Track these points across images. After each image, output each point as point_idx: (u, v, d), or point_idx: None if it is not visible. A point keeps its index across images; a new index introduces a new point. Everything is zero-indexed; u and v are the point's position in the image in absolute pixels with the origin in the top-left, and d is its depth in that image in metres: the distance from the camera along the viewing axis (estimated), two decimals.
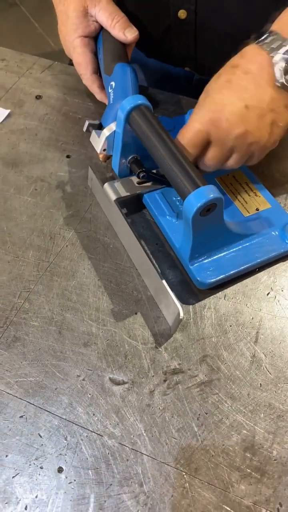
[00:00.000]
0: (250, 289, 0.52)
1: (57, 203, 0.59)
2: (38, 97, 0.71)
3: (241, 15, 0.62)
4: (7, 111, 0.68)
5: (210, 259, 0.51)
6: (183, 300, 0.51)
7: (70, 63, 0.94)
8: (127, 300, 0.51)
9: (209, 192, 0.44)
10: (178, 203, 0.55)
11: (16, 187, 0.60)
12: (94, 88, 0.62)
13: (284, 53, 0.48)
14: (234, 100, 0.49)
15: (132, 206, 0.57)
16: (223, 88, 0.50)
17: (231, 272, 0.51)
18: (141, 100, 0.50)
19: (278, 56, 0.48)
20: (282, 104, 0.49)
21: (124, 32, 0.59)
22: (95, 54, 0.62)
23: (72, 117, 0.68)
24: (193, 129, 0.49)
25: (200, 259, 0.51)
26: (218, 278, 0.50)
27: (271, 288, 0.52)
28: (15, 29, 2.17)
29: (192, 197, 0.45)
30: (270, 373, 0.47)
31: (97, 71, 0.62)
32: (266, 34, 0.50)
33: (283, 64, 0.48)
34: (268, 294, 0.52)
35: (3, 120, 0.67)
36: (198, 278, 0.50)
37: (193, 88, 0.81)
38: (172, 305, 0.46)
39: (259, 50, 0.49)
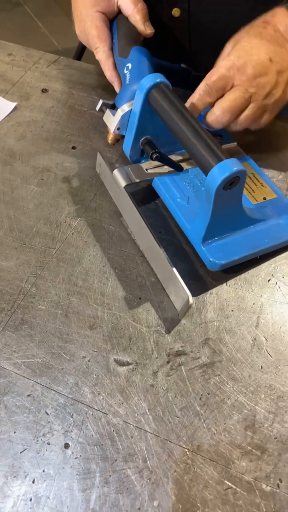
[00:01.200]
0: (251, 276, 0.54)
1: (63, 193, 0.60)
2: (44, 91, 0.72)
3: (233, 14, 0.64)
4: (14, 104, 0.69)
5: (221, 241, 0.52)
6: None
7: (75, 57, 0.95)
8: (131, 285, 0.52)
9: (233, 165, 0.45)
10: (188, 187, 0.55)
11: (23, 177, 0.61)
12: (108, 63, 0.59)
13: None
14: (261, 51, 0.52)
15: (141, 195, 0.57)
16: (253, 38, 0.53)
17: (242, 255, 0.51)
18: (160, 78, 0.51)
19: None
20: None
21: (144, 24, 0.59)
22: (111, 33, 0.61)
23: (77, 110, 0.70)
24: (220, 73, 0.52)
25: (213, 241, 0.51)
26: (230, 260, 0.51)
27: (272, 275, 0.54)
28: (19, 28, 2.19)
29: (216, 170, 0.45)
30: (271, 356, 0.48)
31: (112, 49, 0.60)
32: None
33: None
34: (269, 280, 0.53)
35: (10, 113, 0.69)
36: (211, 259, 0.50)
37: (190, 84, 0.83)
38: (182, 292, 0.47)
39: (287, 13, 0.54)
